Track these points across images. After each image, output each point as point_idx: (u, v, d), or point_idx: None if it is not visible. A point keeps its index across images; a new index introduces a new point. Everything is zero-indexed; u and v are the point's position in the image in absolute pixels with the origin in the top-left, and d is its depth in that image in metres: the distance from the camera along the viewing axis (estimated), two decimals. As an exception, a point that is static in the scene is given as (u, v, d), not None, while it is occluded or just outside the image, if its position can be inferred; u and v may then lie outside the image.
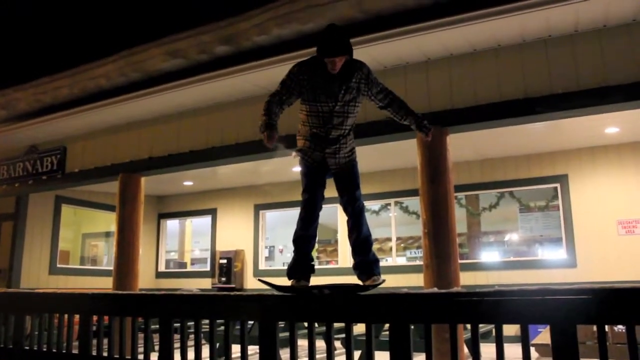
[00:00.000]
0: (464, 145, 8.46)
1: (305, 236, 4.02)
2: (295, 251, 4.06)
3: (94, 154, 9.48)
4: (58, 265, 11.73)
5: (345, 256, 11.12)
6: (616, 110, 6.10)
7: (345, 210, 4.08)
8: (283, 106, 3.93)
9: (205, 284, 12.76)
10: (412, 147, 6.45)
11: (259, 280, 4.12)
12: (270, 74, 6.83)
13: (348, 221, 4.08)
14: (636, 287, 2.91)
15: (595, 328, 3.05)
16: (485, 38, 6.09)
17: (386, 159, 9.95)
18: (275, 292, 4.04)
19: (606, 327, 3.00)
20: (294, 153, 4.12)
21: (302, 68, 3.90)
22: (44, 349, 5.34)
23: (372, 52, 6.13)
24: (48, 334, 5.37)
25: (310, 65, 3.88)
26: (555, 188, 9.84)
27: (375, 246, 12.41)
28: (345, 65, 3.83)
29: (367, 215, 11.28)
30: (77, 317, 5.21)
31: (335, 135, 3.97)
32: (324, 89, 3.85)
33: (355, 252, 4.04)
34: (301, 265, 4.02)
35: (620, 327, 6.40)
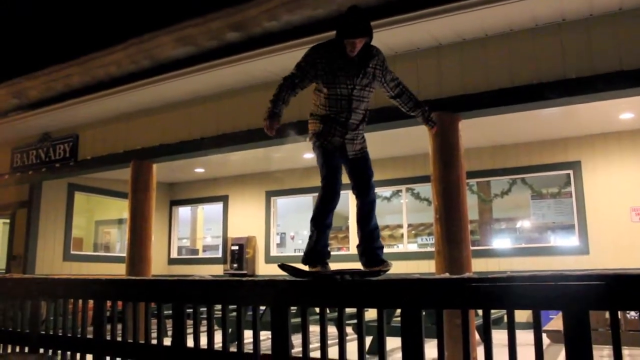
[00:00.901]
0: (475, 131, 8.40)
1: (326, 223, 4.00)
2: (315, 238, 4.00)
3: (105, 141, 9.54)
4: (72, 252, 11.87)
5: (355, 242, 11.14)
6: (631, 96, 6.02)
7: (359, 197, 4.06)
8: (296, 90, 3.93)
9: (217, 270, 12.84)
10: (424, 134, 6.41)
11: (281, 267, 4.04)
12: (281, 60, 6.82)
13: (360, 208, 4.07)
14: (650, 273, 2.89)
15: (607, 315, 3.03)
16: (497, 22, 6.02)
17: (397, 145, 9.92)
18: (288, 278, 4.05)
19: (619, 313, 2.98)
20: (309, 137, 4.08)
21: (319, 51, 3.90)
22: (60, 334, 5.41)
23: (383, 37, 6.07)
24: (63, 319, 5.44)
25: (328, 48, 3.88)
26: (568, 175, 9.76)
27: (386, 233, 12.54)
28: (362, 49, 3.84)
29: (378, 201, 11.32)
30: (91, 302, 5.27)
31: (355, 120, 3.97)
32: (342, 72, 3.85)
33: (366, 240, 4.04)
34: (322, 251, 4.00)
35: (633, 314, 6.37)
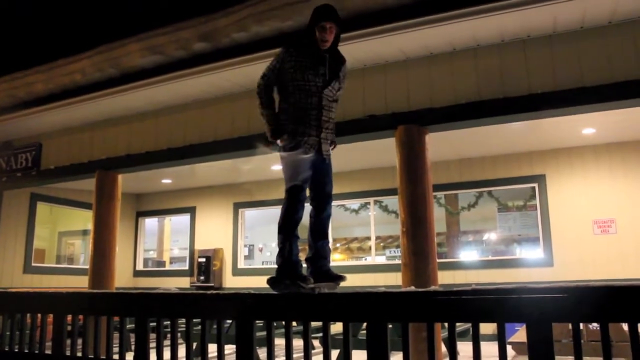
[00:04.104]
0: (443, 145, 8.49)
1: (296, 234, 3.94)
2: (288, 249, 3.90)
3: (70, 150, 9.34)
4: (33, 264, 11.53)
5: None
6: (592, 111, 6.17)
7: (317, 209, 4.01)
8: (273, 89, 4.01)
9: (184, 282, 12.65)
10: (392, 146, 6.45)
11: (271, 283, 3.90)
12: (249, 72, 6.79)
13: (318, 220, 4.01)
14: (609, 285, 2.94)
15: (570, 326, 3.07)
16: (464, 37, 6.11)
17: (366, 157, 9.95)
18: (253, 291, 4.01)
19: (581, 325, 3.02)
20: (281, 139, 3.93)
21: (289, 49, 3.96)
22: (16, 350, 5.24)
23: (351, 50, 6.09)
24: (20, 334, 5.27)
25: (298, 45, 3.97)
26: (533, 188, 9.93)
27: (355, 245, 12.48)
28: (332, 49, 3.97)
29: (347, 214, 11.23)
30: (51, 316, 5.12)
31: (326, 118, 3.97)
32: (312, 68, 3.91)
33: (321, 256, 4.01)
34: (297, 262, 3.92)
35: (595, 325, 6.47)
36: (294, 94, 3.92)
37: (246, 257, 13.02)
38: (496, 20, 5.67)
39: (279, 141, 3.92)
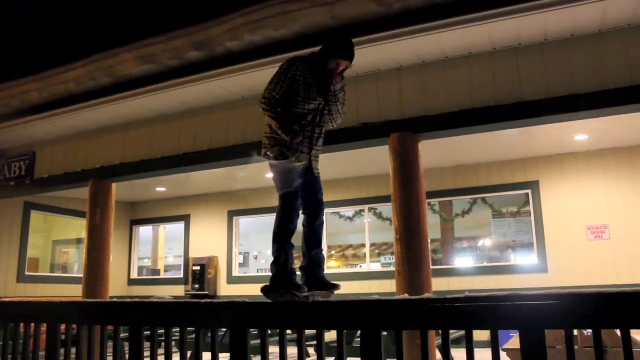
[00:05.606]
0: (437, 152, 8.51)
1: (291, 243, 3.93)
2: (284, 258, 3.88)
3: (64, 159, 9.32)
4: (27, 273, 11.48)
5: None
6: (584, 118, 6.22)
7: (310, 218, 4.02)
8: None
9: (179, 291, 12.62)
10: (386, 154, 6.47)
11: (265, 292, 3.90)
12: (243, 80, 6.82)
13: (312, 230, 4.02)
14: (602, 292, 2.95)
15: (564, 332, 3.08)
16: (456, 45, 6.15)
17: (360, 165, 9.97)
18: (247, 300, 4.01)
19: (575, 331, 3.04)
20: (274, 152, 3.89)
21: (297, 64, 3.90)
22: (10, 360, 5.21)
23: (345, 59, 6.13)
24: (13, 344, 5.23)
25: (307, 62, 3.92)
26: (527, 194, 9.97)
27: (349, 252, 12.47)
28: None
29: (341, 221, 11.25)
30: (44, 326, 5.09)
31: (318, 136, 3.97)
32: (316, 87, 3.89)
33: (315, 264, 4.00)
34: (293, 272, 3.92)
35: (589, 331, 6.48)
36: (294, 107, 3.87)
37: (241, 265, 13.00)
38: (488, 28, 5.72)
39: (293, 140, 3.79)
